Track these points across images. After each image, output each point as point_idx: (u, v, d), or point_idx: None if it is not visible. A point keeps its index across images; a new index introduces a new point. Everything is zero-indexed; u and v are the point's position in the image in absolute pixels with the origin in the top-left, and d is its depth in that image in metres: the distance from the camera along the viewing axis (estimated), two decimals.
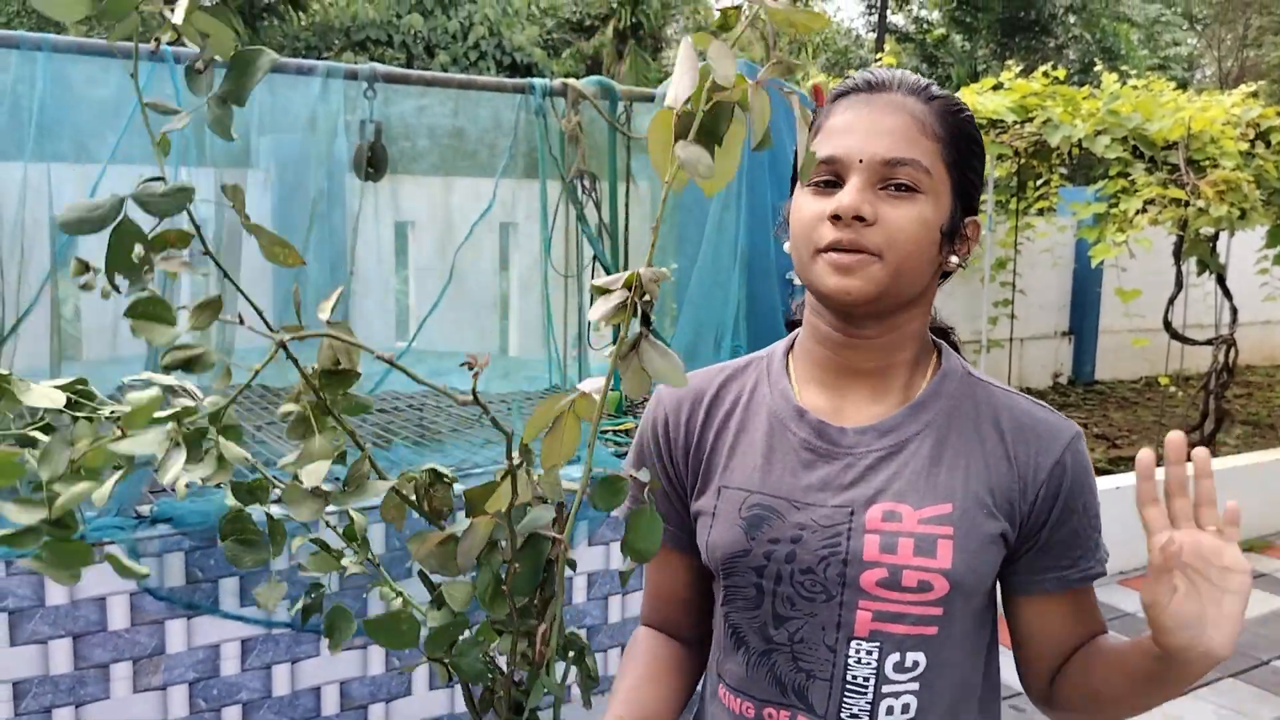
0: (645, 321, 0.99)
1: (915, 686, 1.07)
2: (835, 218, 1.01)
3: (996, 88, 6.00)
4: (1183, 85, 14.30)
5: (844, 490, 1.07)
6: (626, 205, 4.16)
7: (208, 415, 1.03)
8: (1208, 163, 5.59)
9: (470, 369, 1.00)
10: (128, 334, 2.80)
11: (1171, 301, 6.25)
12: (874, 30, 26.15)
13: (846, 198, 1.01)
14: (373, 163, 3.48)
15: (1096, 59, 17.09)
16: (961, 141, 1.07)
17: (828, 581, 1.05)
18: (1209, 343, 6.36)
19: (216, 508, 2.90)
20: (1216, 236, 6.10)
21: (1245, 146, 5.70)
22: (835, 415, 1.11)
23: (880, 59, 7.13)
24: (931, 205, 1.03)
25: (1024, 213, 7.15)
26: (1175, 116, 5.54)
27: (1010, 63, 6.74)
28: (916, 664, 1.06)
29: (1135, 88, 6.01)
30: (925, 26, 25.45)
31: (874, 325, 1.08)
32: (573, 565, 1.11)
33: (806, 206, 1.05)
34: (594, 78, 3.89)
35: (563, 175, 3.76)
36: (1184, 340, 6.40)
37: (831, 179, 1.04)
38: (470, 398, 1.03)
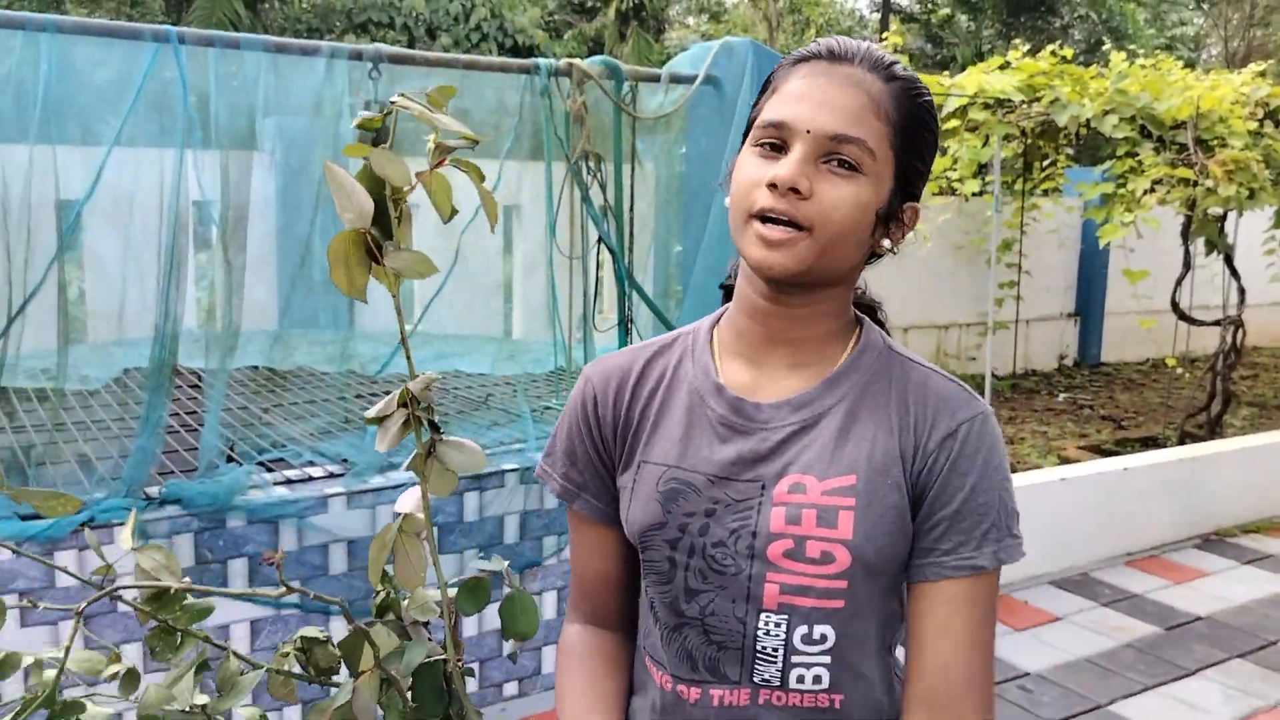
0: (434, 428, 0.96)
1: (827, 660, 1.07)
2: (773, 185, 1.00)
3: (1003, 67, 5.96)
4: (1190, 65, 14.22)
5: (756, 465, 1.08)
6: (631, 186, 4.14)
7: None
8: (1216, 142, 5.56)
9: (271, 564, 0.98)
10: (134, 316, 2.78)
11: (1179, 282, 6.23)
12: (878, 10, 26.00)
13: (785, 169, 1.00)
14: (377, 144, 3.47)
15: (1103, 38, 16.98)
16: (914, 127, 1.05)
17: (737, 554, 1.06)
18: (1216, 324, 6.34)
19: (225, 489, 2.90)
20: (1224, 216, 6.07)
21: (1254, 126, 5.67)
22: (753, 390, 1.12)
23: (885, 39, 7.08)
24: (871, 187, 1.02)
25: (1030, 194, 7.11)
26: (1184, 96, 5.50)
27: (1016, 42, 6.70)
28: (825, 637, 1.07)
29: (1144, 67, 5.97)
30: (930, 6, 25.30)
31: (799, 296, 1.07)
32: (472, 674, 1.09)
33: (748, 168, 1.04)
34: (599, 57, 3.86)
35: (568, 156, 3.74)
36: (1191, 321, 6.38)
37: (776, 143, 1.03)
38: None
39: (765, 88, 1.09)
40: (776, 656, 1.07)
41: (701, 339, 1.17)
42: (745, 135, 1.10)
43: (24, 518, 2.74)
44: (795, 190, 1.00)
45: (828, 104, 1.01)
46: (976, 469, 1.06)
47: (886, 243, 1.08)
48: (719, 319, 1.18)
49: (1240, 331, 6.30)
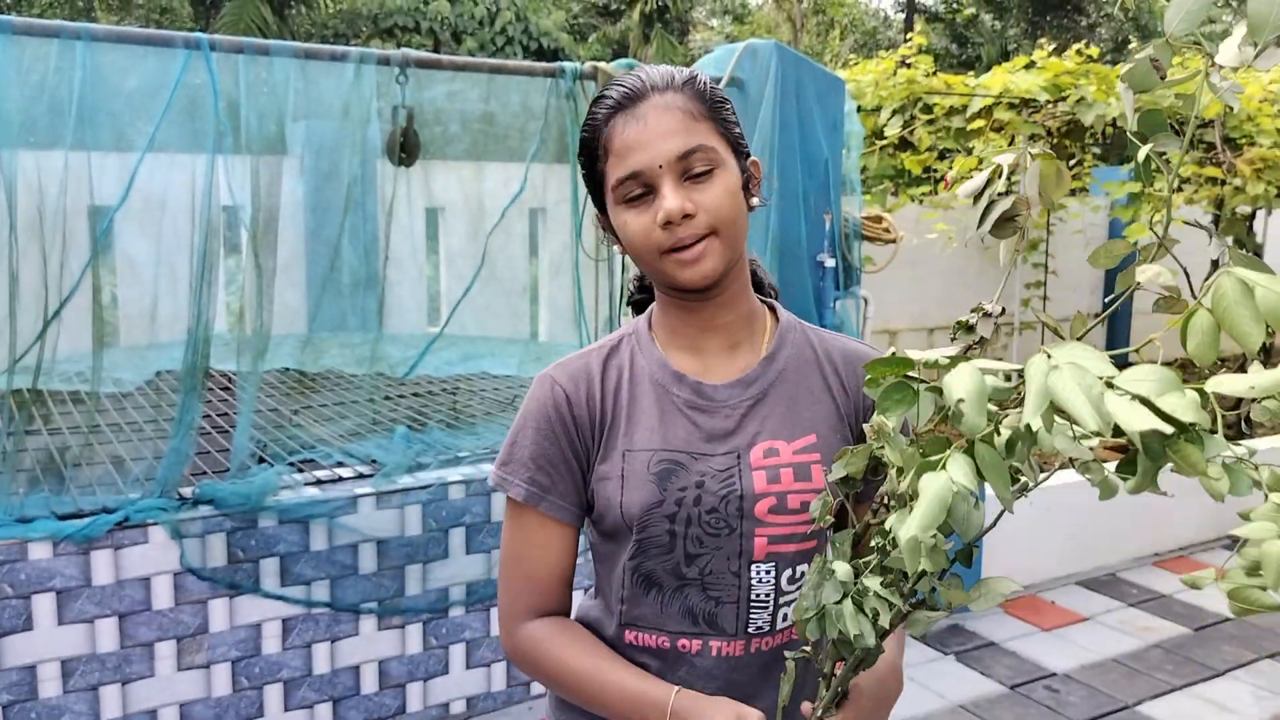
0: None
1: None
2: (668, 222, 1.16)
3: (1029, 66, 5.94)
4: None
5: (728, 438, 1.26)
6: None
7: None
8: (1244, 140, 5.52)
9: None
10: (166, 320, 2.82)
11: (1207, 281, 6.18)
12: (903, 10, 25.93)
13: (670, 202, 1.16)
14: (405, 148, 3.50)
15: (1130, 36, 16.86)
16: (717, 107, 1.23)
17: (729, 516, 1.23)
18: None
19: (256, 489, 2.94)
20: (1253, 215, 6.02)
21: None
22: (705, 373, 1.28)
23: (910, 39, 7.07)
24: (727, 172, 1.20)
25: None
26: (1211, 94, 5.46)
27: (1042, 41, 6.67)
28: (803, 574, 1.26)
29: (1171, 65, 5.92)
30: (955, 6, 25.19)
31: (721, 282, 1.23)
32: None
33: (633, 222, 1.20)
34: (624, 60, 3.89)
35: None
36: None
37: (643, 192, 1.18)
38: None
39: (594, 153, 1.23)
40: (768, 601, 1.26)
41: (645, 337, 1.32)
42: (594, 194, 1.27)
43: (61, 517, 2.79)
44: (686, 215, 1.16)
45: (659, 137, 1.17)
46: None
47: (755, 200, 1.27)
48: (649, 320, 1.34)
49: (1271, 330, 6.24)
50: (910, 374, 0.91)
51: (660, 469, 1.24)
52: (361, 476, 3.29)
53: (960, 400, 0.76)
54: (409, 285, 4.34)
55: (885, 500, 1.03)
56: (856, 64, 7.40)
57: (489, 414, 4.20)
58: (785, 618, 1.27)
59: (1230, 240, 5.46)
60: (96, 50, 2.96)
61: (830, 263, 4.01)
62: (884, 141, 5.74)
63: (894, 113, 5.77)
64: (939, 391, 0.89)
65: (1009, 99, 5.64)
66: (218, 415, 4.17)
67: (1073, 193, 7.19)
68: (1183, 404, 0.68)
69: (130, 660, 2.85)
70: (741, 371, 1.28)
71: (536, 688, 3.48)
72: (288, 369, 4.60)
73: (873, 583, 0.95)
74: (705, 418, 1.26)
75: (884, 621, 0.94)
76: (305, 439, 3.60)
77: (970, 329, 1.05)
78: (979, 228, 1.03)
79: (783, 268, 3.88)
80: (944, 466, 0.81)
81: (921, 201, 6.93)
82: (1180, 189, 5.42)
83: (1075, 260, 8.61)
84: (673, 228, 1.17)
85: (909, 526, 0.80)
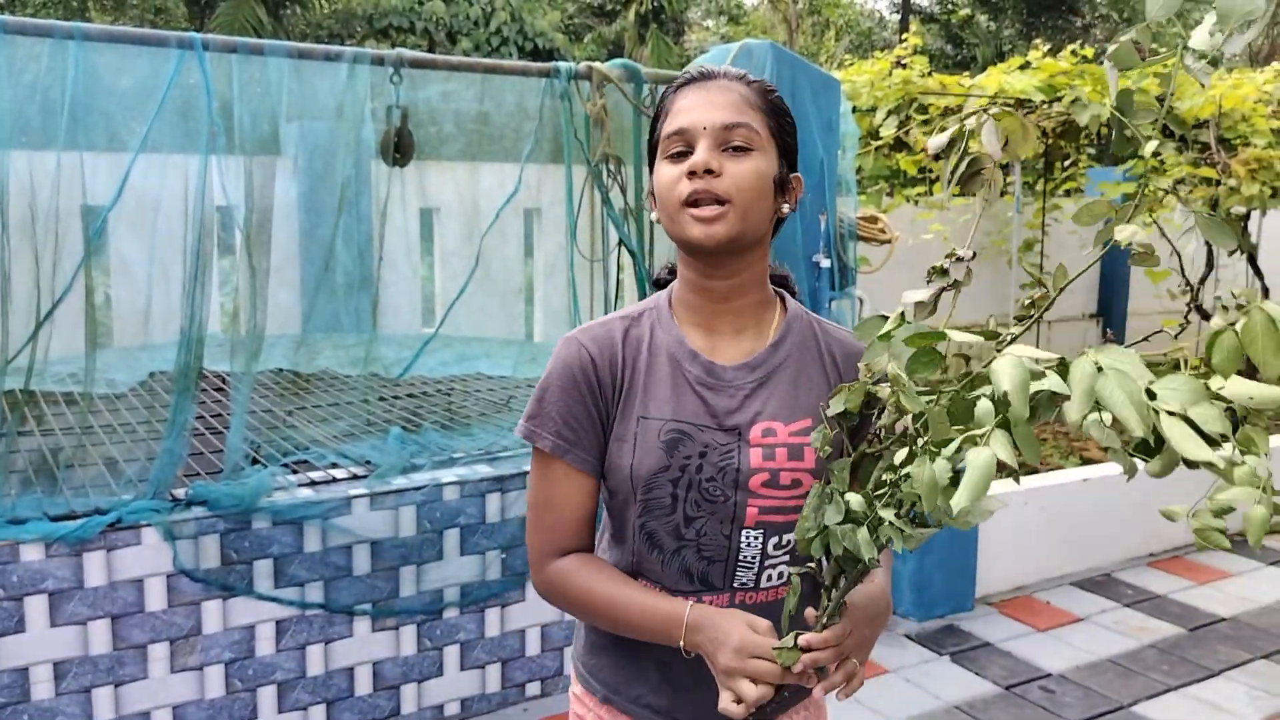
0: None
1: (787, 558, 1.39)
2: (692, 174, 1.28)
3: (1024, 67, 5.94)
4: (1213, 63, 14.07)
5: (731, 415, 1.36)
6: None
7: None
8: (1239, 141, 5.53)
9: None
10: (160, 320, 2.80)
11: (1202, 282, 6.19)
12: (898, 11, 25.95)
13: (699, 156, 1.29)
14: (399, 148, 3.49)
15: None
16: (778, 114, 1.36)
17: (725, 486, 1.35)
18: None
19: (250, 491, 2.93)
20: (1248, 215, 6.03)
21: (1277, 124, 5.63)
22: (713, 352, 1.39)
23: (905, 39, 7.08)
24: (764, 160, 1.31)
25: (1051, 194, 7.08)
26: (1206, 95, 5.47)
27: (1037, 42, 6.67)
28: (788, 541, 1.38)
29: (1166, 66, 5.93)
30: (950, 7, 25.21)
31: (733, 262, 1.34)
32: None
33: (666, 173, 1.32)
34: (619, 60, 3.88)
35: (588, 159, 3.76)
36: None
37: (684, 149, 1.31)
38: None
39: (658, 118, 1.37)
40: (753, 564, 1.38)
41: (665, 313, 1.42)
42: (651, 159, 1.38)
43: (53, 518, 2.78)
44: (710, 171, 1.28)
45: (714, 105, 1.31)
46: None
47: (786, 207, 1.37)
48: (669, 297, 1.44)
49: None
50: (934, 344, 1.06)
51: (669, 438, 1.35)
52: (356, 478, 3.28)
53: (1005, 391, 0.88)
54: (403, 286, 4.33)
55: (880, 433, 1.16)
56: (852, 65, 7.40)
57: (484, 415, 4.19)
58: (770, 578, 1.39)
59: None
60: (90, 50, 2.95)
61: (826, 263, 4.01)
62: (879, 142, 5.74)
63: (889, 113, 5.76)
64: (940, 337, 1.06)
65: (1004, 99, 5.64)
66: (211, 416, 4.16)
67: (1068, 193, 7.21)
68: (1211, 415, 0.80)
69: (123, 662, 2.84)
70: (747, 355, 1.39)
71: (531, 689, 3.47)
72: (281, 370, 4.59)
73: (888, 514, 1.08)
74: (713, 395, 1.36)
75: (896, 547, 1.08)
76: (299, 440, 3.59)
77: (944, 273, 1.18)
78: (948, 184, 1.14)
79: None
80: (987, 441, 0.93)
81: (917, 202, 6.92)
82: (1175, 190, 5.43)
83: (1070, 261, 8.58)
84: (696, 180, 1.28)
85: (960, 497, 0.92)
